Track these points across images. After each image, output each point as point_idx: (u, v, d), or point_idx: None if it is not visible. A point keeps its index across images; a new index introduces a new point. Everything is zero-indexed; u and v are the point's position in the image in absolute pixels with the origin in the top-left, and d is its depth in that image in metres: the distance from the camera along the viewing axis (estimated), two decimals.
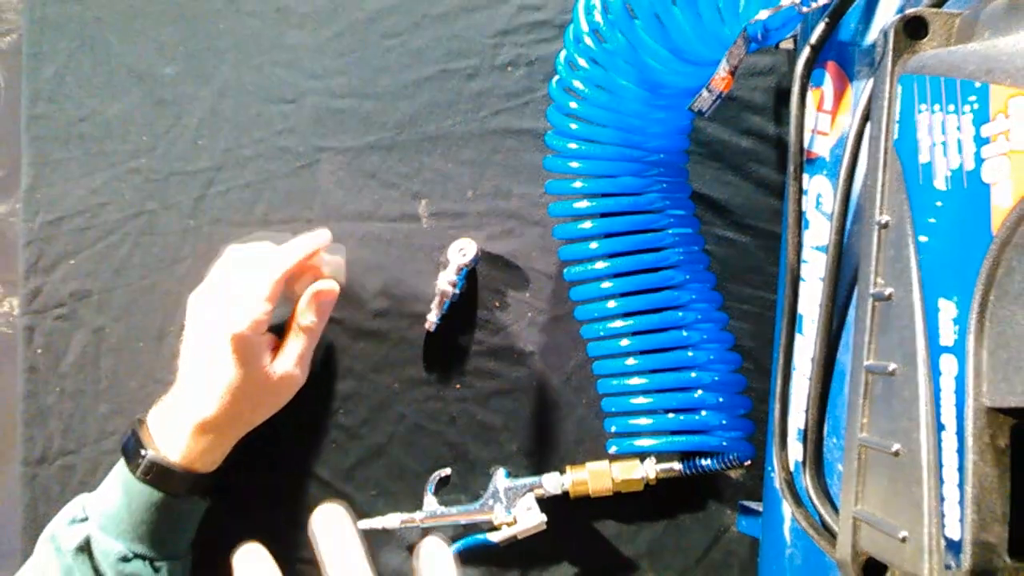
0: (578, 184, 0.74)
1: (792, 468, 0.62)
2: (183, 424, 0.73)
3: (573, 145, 0.73)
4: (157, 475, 0.71)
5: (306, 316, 0.77)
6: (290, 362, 0.76)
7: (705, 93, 0.64)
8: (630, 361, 0.74)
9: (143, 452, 0.72)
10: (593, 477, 0.79)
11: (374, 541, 0.84)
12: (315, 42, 0.87)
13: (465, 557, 0.83)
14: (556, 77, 0.73)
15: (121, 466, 0.73)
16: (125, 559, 0.70)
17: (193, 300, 0.76)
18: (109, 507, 0.72)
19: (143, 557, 0.71)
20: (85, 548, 0.71)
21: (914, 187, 0.49)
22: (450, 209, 0.86)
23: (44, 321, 0.86)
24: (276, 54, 0.87)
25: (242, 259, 0.76)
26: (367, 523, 0.80)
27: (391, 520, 0.80)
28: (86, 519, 0.72)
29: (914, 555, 0.46)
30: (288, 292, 0.78)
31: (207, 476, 0.75)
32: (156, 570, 0.72)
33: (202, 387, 0.73)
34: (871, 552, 0.51)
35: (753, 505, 0.77)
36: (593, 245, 0.74)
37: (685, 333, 0.74)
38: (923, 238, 0.48)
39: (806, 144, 0.63)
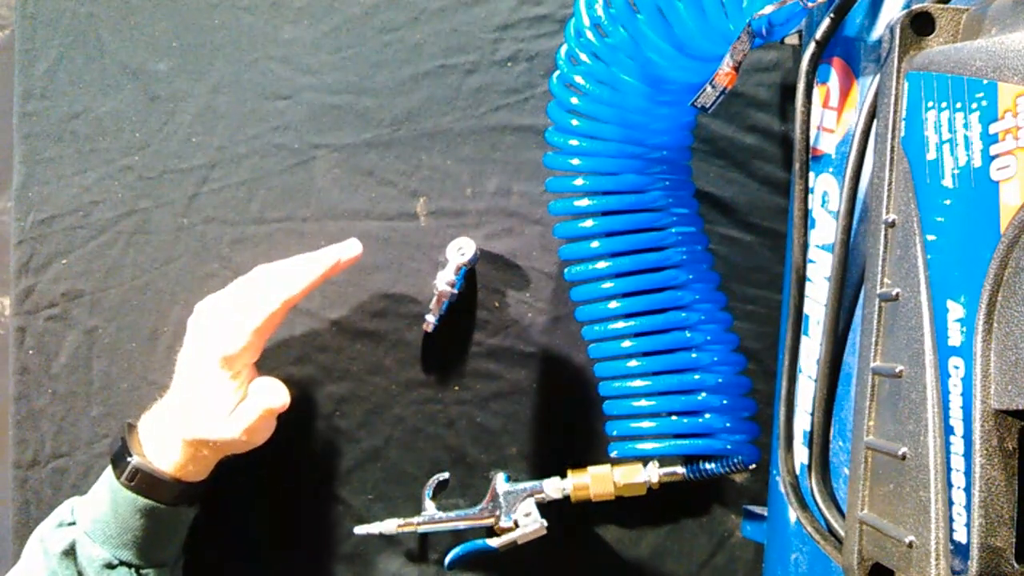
0: (579, 182, 0.73)
1: (798, 472, 0.62)
2: (174, 435, 0.72)
3: (574, 142, 0.72)
4: (142, 482, 0.71)
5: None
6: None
7: (709, 89, 0.64)
8: (632, 363, 0.74)
9: (129, 458, 0.71)
10: (595, 481, 0.79)
11: (371, 546, 0.84)
12: (311, 37, 0.86)
13: (464, 563, 0.82)
14: (557, 72, 0.73)
15: (109, 471, 0.72)
16: (110, 566, 0.70)
17: (199, 309, 0.75)
18: (96, 512, 0.71)
19: (128, 564, 0.70)
20: (71, 553, 0.70)
21: (921, 185, 0.49)
22: (449, 207, 0.85)
23: (36, 322, 0.85)
24: (271, 49, 0.86)
25: (258, 279, 0.75)
26: (364, 528, 0.80)
27: (388, 525, 0.80)
28: (74, 523, 0.72)
29: (921, 560, 0.46)
30: None
31: (196, 485, 0.74)
32: None
33: (194, 403, 0.72)
34: (877, 557, 0.51)
35: (758, 510, 0.76)
36: (594, 244, 0.74)
37: (688, 334, 0.74)
38: (931, 237, 0.48)
39: (812, 141, 0.63)
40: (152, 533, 0.71)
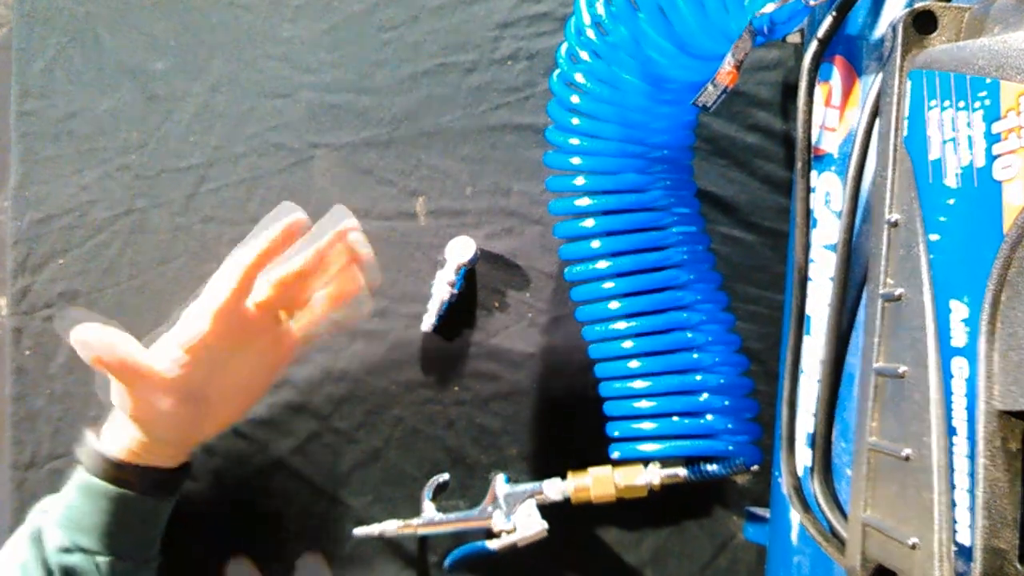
0: (579, 181, 0.73)
1: (800, 473, 0.62)
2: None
3: (574, 141, 0.72)
4: (89, 458, 0.70)
5: None
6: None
7: (710, 87, 0.64)
8: (633, 363, 0.73)
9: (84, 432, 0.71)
10: (596, 483, 0.78)
11: (370, 547, 0.84)
12: (310, 35, 0.86)
13: (464, 565, 0.82)
14: (557, 71, 0.72)
15: None
16: (66, 550, 0.69)
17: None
18: (61, 498, 0.71)
19: (85, 550, 0.69)
20: (38, 538, 0.69)
21: (924, 185, 0.49)
22: (448, 207, 0.85)
23: (32, 322, 0.84)
24: (270, 48, 0.86)
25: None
26: (363, 530, 0.79)
27: (388, 527, 0.79)
28: (47, 511, 0.71)
29: (924, 562, 0.46)
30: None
31: (152, 472, 0.71)
32: (97, 566, 0.69)
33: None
34: (880, 559, 0.51)
35: (760, 511, 0.76)
36: (595, 244, 0.73)
37: (690, 335, 0.73)
38: (934, 237, 0.48)
39: (814, 140, 0.63)
40: (108, 519, 0.70)
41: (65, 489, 0.71)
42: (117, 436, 0.71)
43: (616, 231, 0.73)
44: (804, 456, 0.62)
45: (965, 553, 0.44)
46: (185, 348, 0.69)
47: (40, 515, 0.71)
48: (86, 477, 0.70)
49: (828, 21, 0.60)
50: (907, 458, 0.48)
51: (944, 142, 0.47)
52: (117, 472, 0.70)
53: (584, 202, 0.73)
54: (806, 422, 0.62)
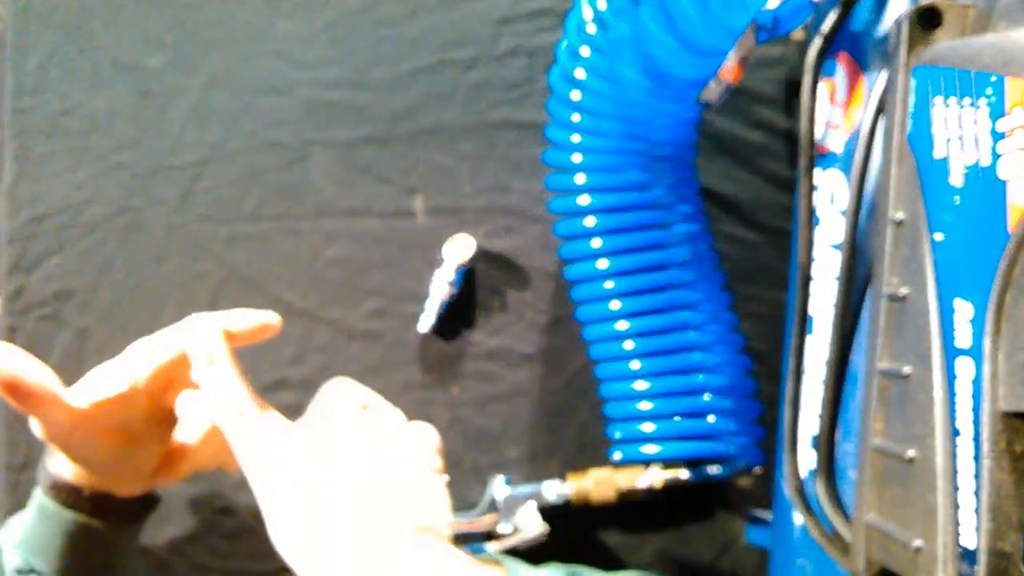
0: (580, 179, 0.72)
1: (803, 475, 0.61)
2: None
3: (575, 138, 0.71)
4: (42, 476, 0.67)
5: None
6: None
7: (713, 84, 0.63)
8: (634, 364, 0.73)
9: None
10: (596, 485, 0.78)
11: None
12: (307, 31, 0.85)
13: None
14: (557, 67, 0.72)
15: None
16: (21, 572, 0.66)
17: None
18: (23, 516, 0.69)
19: (38, 573, 0.66)
20: None
21: (929, 183, 0.49)
22: (447, 205, 0.85)
23: (26, 322, 0.84)
24: (266, 44, 0.86)
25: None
26: None
27: None
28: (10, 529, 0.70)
29: (928, 565, 0.45)
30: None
31: (109, 500, 0.68)
32: None
33: None
34: (884, 562, 0.50)
35: (762, 514, 0.76)
36: (596, 243, 0.73)
37: (692, 335, 0.73)
38: (938, 236, 0.47)
39: (818, 138, 0.62)
40: (59, 542, 0.67)
41: (27, 507, 0.69)
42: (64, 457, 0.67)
43: (617, 229, 0.73)
44: (807, 458, 0.62)
45: (969, 556, 0.43)
46: (106, 392, 0.64)
47: (3, 533, 0.69)
48: (40, 496, 0.67)
49: (832, 17, 0.59)
50: (911, 460, 0.47)
51: (949, 140, 0.47)
52: (66, 494, 0.67)
53: (585, 200, 0.73)
54: (809, 423, 0.62)
